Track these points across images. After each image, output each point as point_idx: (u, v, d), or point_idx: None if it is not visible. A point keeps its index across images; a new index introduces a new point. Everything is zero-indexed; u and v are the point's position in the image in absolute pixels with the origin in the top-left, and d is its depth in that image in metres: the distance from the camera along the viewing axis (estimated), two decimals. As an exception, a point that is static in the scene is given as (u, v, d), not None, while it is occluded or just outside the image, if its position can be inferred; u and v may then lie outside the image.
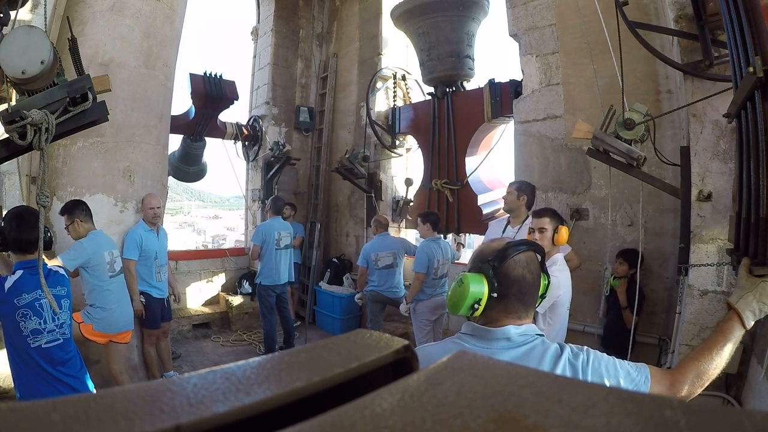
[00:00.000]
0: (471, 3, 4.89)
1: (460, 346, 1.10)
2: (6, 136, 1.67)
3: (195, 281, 6.11)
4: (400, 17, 5.26)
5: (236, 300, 5.92)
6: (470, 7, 4.91)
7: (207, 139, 6.19)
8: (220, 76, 5.56)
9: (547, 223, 2.39)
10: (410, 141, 6.15)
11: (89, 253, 2.94)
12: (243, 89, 6.32)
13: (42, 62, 1.60)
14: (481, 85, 4.83)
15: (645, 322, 3.27)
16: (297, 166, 6.62)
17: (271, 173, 6.21)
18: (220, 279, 6.36)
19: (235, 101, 5.71)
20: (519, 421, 0.25)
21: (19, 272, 2.11)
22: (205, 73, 5.46)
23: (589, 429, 0.24)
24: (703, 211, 2.39)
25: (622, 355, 1.28)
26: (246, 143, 6.62)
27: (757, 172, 1.32)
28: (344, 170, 5.65)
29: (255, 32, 7.23)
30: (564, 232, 2.35)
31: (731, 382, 2.35)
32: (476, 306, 1.07)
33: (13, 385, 2.23)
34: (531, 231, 2.44)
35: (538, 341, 1.09)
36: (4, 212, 2.44)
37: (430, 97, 5.47)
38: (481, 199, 4.89)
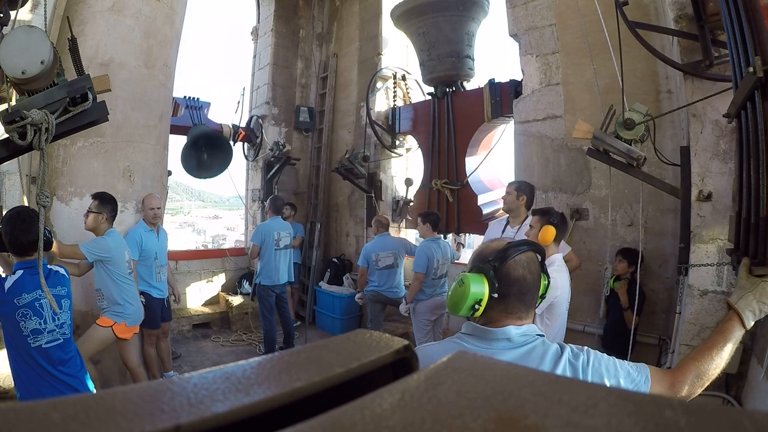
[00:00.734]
0: (471, 3, 4.89)
1: (460, 347, 1.10)
2: (6, 136, 1.67)
3: (195, 281, 6.12)
4: (400, 17, 5.26)
5: (236, 300, 5.92)
6: (470, 7, 4.91)
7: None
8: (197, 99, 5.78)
9: (535, 221, 2.45)
10: (410, 141, 6.15)
11: (113, 251, 3.00)
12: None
13: (42, 62, 1.61)
14: (481, 85, 4.82)
15: (645, 322, 3.27)
16: (297, 166, 6.62)
17: (271, 173, 6.21)
18: (220, 279, 6.36)
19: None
20: (519, 421, 0.25)
21: (20, 272, 2.11)
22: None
23: (589, 429, 0.24)
24: (703, 211, 2.39)
25: (622, 355, 1.28)
26: (245, 143, 6.63)
27: (757, 172, 1.32)
28: (344, 170, 5.65)
29: (255, 32, 7.23)
30: (548, 231, 2.34)
31: (731, 382, 2.35)
32: (477, 306, 1.07)
33: (13, 385, 2.23)
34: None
35: (539, 342, 1.09)
36: (5, 212, 2.44)
37: (430, 97, 5.47)
38: (481, 199, 4.89)
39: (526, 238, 2.40)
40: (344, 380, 0.32)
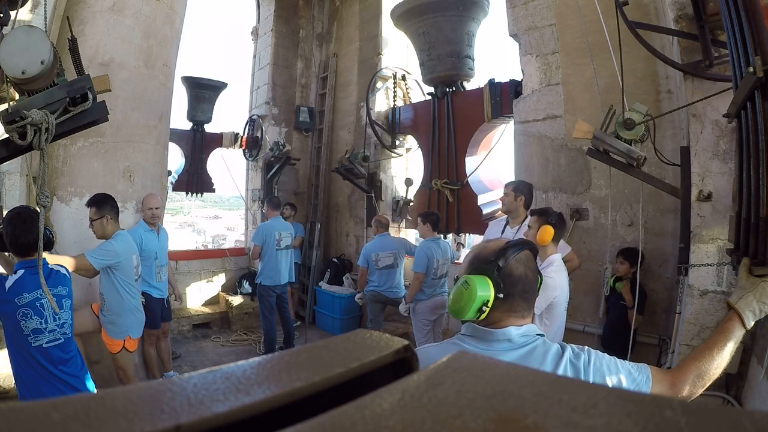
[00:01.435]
0: (471, 3, 4.89)
1: (460, 348, 1.10)
2: (6, 136, 1.67)
3: (195, 281, 6.12)
4: (400, 17, 5.26)
5: (236, 300, 5.92)
6: (470, 7, 4.91)
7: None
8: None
9: (533, 221, 2.45)
10: (410, 141, 6.15)
11: (121, 256, 2.85)
12: (243, 89, 6.40)
13: (42, 62, 1.60)
14: (481, 85, 4.82)
15: (645, 322, 3.27)
16: (297, 166, 6.62)
17: (271, 173, 6.21)
18: (220, 279, 6.36)
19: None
20: (519, 421, 0.25)
21: (21, 272, 2.11)
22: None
23: (589, 429, 0.24)
24: (703, 211, 2.39)
25: (622, 355, 1.28)
26: (246, 147, 6.67)
27: (757, 172, 1.32)
28: (344, 170, 5.65)
29: (255, 32, 7.23)
30: (546, 232, 2.34)
31: (731, 382, 2.35)
32: (485, 308, 1.06)
33: (13, 385, 2.24)
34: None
35: (540, 342, 1.09)
36: (5, 212, 2.44)
37: (430, 97, 5.46)
38: (481, 199, 4.89)
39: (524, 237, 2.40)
40: (344, 380, 0.32)
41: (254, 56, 7.25)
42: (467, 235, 5.41)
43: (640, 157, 2.31)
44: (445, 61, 5.02)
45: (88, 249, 2.79)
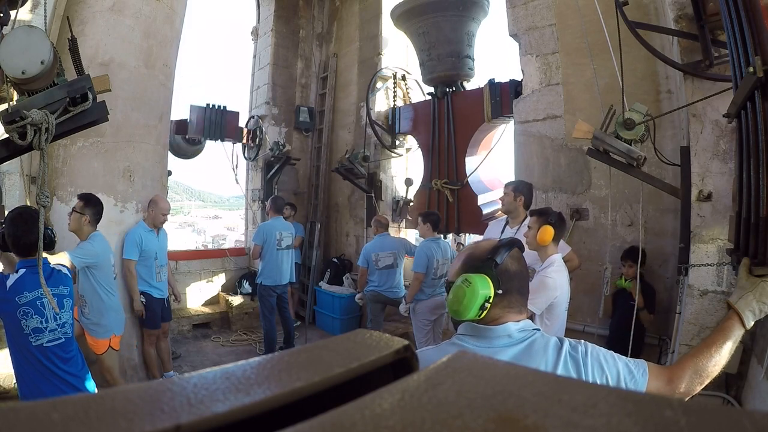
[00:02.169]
0: (471, 3, 4.89)
1: (460, 348, 1.10)
2: (6, 136, 1.67)
3: (195, 281, 6.12)
4: (400, 17, 5.27)
5: (236, 300, 5.92)
6: (470, 7, 4.91)
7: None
8: (224, 108, 5.83)
9: (533, 221, 2.45)
10: (410, 141, 6.15)
11: (99, 256, 2.92)
12: (243, 89, 6.41)
13: (42, 62, 1.60)
14: (481, 85, 4.83)
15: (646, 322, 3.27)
16: (297, 166, 6.62)
17: (271, 173, 6.21)
18: (220, 279, 6.36)
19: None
20: (519, 421, 0.25)
21: (22, 270, 2.11)
22: (207, 105, 5.73)
23: (589, 429, 0.24)
24: (703, 211, 2.39)
25: (631, 355, 1.28)
26: (246, 144, 6.64)
27: (757, 172, 1.32)
28: (344, 170, 5.65)
29: (255, 32, 7.23)
30: (546, 232, 2.34)
31: (731, 382, 2.35)
32: (486, 305, 1.07)
33: (13, 384, 2.24)
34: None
35: (538, 335, 1.11)
36: (6, 212, 2.44)
37: (430, 97, 5.47)
38: (481, 199, 4.89)
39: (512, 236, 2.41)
40: (344, 380, 0.32)
41: (254, 56, 7.25)
42: (467, 235, 5.42)
43: (640, 157, 2.31)
44: (445, 61, 5.02)
45: (69, 249, 2.83)
